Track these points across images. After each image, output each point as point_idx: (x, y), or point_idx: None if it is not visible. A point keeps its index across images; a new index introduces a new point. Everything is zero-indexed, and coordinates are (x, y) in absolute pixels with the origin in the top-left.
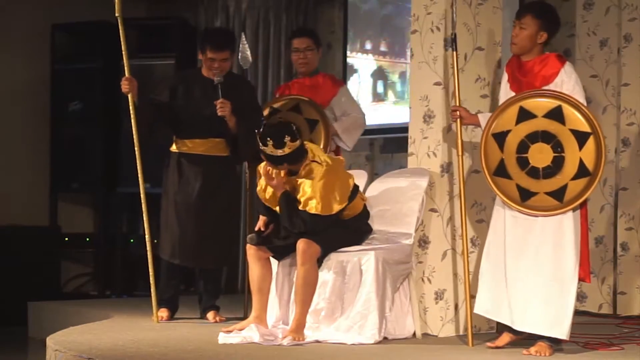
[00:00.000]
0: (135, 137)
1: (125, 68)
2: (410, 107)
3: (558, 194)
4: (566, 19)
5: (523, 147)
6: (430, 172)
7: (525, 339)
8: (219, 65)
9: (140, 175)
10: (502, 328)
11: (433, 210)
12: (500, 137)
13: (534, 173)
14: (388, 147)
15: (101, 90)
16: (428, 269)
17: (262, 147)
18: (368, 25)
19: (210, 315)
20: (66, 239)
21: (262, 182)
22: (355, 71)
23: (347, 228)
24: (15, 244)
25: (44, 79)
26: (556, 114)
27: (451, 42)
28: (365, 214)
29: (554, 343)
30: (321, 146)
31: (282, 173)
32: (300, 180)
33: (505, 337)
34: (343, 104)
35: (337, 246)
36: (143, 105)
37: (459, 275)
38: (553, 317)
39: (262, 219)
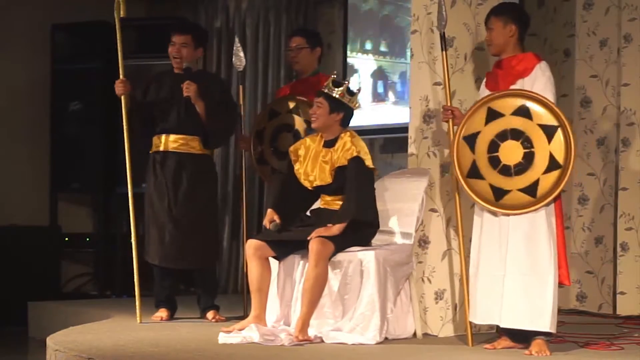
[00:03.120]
0: (126, 138)
1: (120, 70)
2: (410, 107)
3: (531, 190)
4: (566, 19)
5: (493, 146)
6: (430, 172)
7: (523, 348)
8: (178, 50)
9: (129, 176)
10: (502, 330)
11: (433, 210)
12: (470, 140)
13: (505, 171)
14: (388, 147)
15: (101, 90)
16: (428, 269)
17: (329, 82)
18: (368, 25)
19: (209, 314)
20: (66, 239)
21: (297, 166)
22: (356, 71)
23: (359, 227)
24: (15, 244)
25: (44, 79)
26: (523, 111)
27: (442, 40)
28: (377, 212)
29: (549, 337)
30: None
31: (320, 120)
32: (336, 150)
33: (504, 341)
34: None
35: (349, 246)
36: (136, 105)
37: (459, 275)
38: (534, 311)
39: (270, 212)
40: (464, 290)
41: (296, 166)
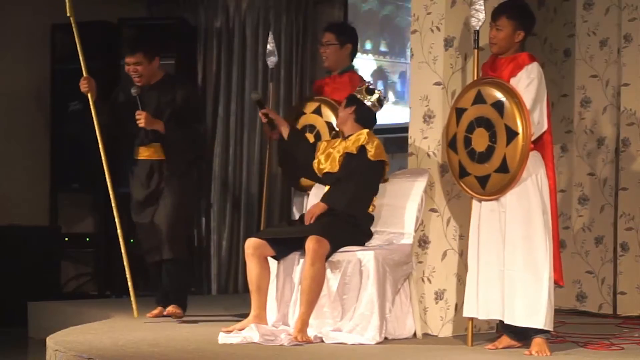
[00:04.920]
0: (98, 135)
1: (83, 68)
2: (410, 107)
3: (482, 181)
4: (566, 19)
5: (471, 127)
6: (430, 172)
7: (523, 347)
8: (134, 70)
9: (107, 176)
10: (502, 329)
11: (433, 210)
12: (459, 113)
13: (471, 154)
14: (388, 147)
15: (101, 90)
16: (428, 269)
17: (362, 89)
18: (368, 25)
19: (170, 308)
20: (66, 239)
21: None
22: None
23: (357, 227)
24: (15, 244)
25: (44, 79)
26: (499, 106)
27: (474, 38)
28: (372, 218)
29: (547, 336)
30: None
31: (348, 123)
32: (350, 139)
33: (505, 340)
34: None
35: (345, 245)
36: (102, 106)
37: (459, 275)
38: (529, 308)
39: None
40: (463, 290)
41: (317, 155)
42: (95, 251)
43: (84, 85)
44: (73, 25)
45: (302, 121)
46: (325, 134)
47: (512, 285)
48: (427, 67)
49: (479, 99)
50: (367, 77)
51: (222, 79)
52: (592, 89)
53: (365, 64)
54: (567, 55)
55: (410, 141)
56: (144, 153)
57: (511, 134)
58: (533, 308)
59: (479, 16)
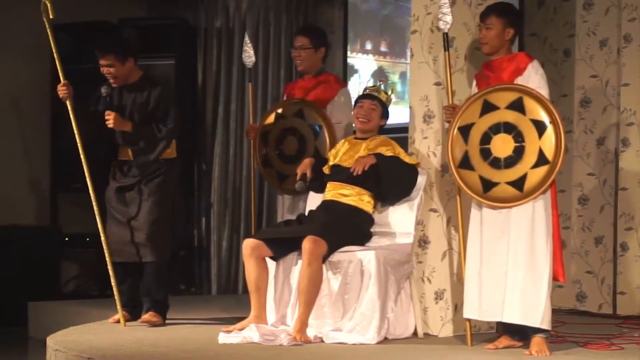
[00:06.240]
0: (77, 138)
1: (60, 74)
2: (410, 107)
3: (518, 183)
4: (566, 19)
5: (486, 138)
6: (430, 172)
7: (523, 347)
8: (108, 72)
9: (87, 176)
10: (502, 329)
11: (433, 210)
12: (465, 130)
13: (495, 163)
14: None
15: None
16: (428, 269)
17: (371, 88)
18: (368, 25)
19: (146, 315)
20: (66, 239)
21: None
22: (356, 71)
23: (357, 227)
24: (15, 244)
25: (44, 79)
26: (517, 105)
27: (444, 40)
28: (373, 220)
29: (547, 335)
30: (327, 150)
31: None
32: (373, 144)
33: (504, 341)
34: (336, 104)
35: (343, 245)
36: (83, 112)
37: (459, 275)
38: (527, 306)
39: (308, 161)
40: (463, 290)
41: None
42: (95, 251)
43: (63, 91)
44: (48, 27)
45: (281, 125)
46: (309, 136)
47: (513, 284)
48: (427, 67)
49: (489, 108)
50: (368, 78)
51: (222, 79)
52: (592, 89)
53: (365, 64)
54: (567, 55)
55: (410, 141)
56: (125, 155)
57: (541, 127)
58: (531, 307)
59: (447, 19)
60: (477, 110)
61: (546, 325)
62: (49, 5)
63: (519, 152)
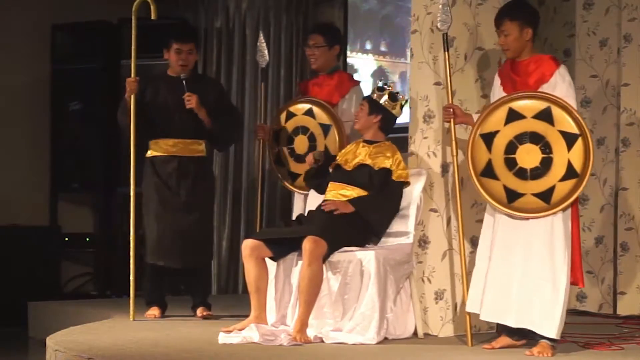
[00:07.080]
0: (132, 138)
1: (132, 69)
2: (410, 107)
3: (545, 196)
4: (566, 19)
5: (511, 147)
6: (430, 172)
7: (523, 346)
8: (186, 57)
9: (132, 176)
10: (501, 329)
11: (433, 210)
12: (488, 138)
13: (521, 174)
14: None
15: (101, 90)
16: (428, 269)
17: (378, 92)
18: (368, 25)
19: (199, 310)
20: (66, 239)
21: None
22: (356, 71)
23: (357, 227)
24: (15, 244)
25: (44, 79)
26: (545, 115)
27: (444, 41)
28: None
29: (554, 343)
30: (337, 148)
31: (360, 122)
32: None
33: (503, 340)
34: (347, 102)
35: (343, 245)
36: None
37: (459, 275)
38: (542, 315)
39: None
40: (463, 290)
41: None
42: (95, 251)
43: (132, 85)
44: (133, 25)
45: (293, 123)
46: (319, 135)
47: (528, 291)
48: (427, 67)
49: (515, 116)
50: (368, 77)
51: (222, 79)
52: (592, 89)
53: (365, 64)
54: (567, 55)
55: (410, 141)
56: (172, 148)
57: (570, 138)
58: (546, 317)
59: (445, 19)
60: (501, 118)
61: (558, 336)
62: (151, 3)
63: (546, 164)
